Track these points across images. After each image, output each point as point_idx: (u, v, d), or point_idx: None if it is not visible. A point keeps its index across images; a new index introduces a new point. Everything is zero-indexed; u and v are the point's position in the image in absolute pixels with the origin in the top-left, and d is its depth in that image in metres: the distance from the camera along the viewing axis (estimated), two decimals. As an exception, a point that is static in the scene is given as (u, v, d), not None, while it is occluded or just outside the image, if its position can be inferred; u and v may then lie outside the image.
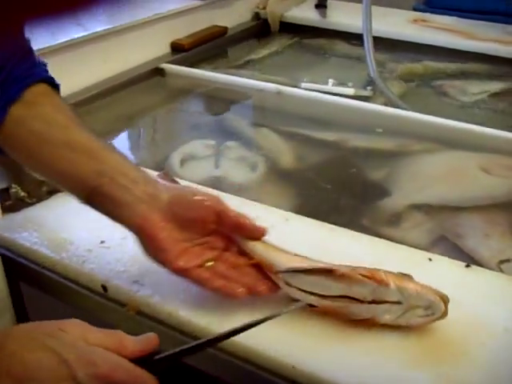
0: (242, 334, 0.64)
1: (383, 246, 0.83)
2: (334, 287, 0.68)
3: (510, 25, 1.86)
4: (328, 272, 0.68)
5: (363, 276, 0.68)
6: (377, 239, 0.85)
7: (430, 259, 0.80)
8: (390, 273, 0.69)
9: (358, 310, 0.68)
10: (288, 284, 0.70)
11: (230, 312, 0.71)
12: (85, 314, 0.81)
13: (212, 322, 0.70)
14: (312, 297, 0.69)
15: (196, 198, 0.71)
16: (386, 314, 0.67)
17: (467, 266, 0.79)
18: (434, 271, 0.78)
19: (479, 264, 0.87)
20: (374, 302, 0.68)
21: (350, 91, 1.50)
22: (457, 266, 0.79)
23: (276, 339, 0.67)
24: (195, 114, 1.52)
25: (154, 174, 0.96)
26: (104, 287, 0.76)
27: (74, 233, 0.85)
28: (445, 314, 0.67)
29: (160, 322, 0.72)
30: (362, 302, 0.68)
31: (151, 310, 0.73)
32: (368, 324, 0.68)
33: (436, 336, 0.68)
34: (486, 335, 0.68)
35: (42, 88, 0.75)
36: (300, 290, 0.69)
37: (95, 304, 0.77)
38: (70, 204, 0.90)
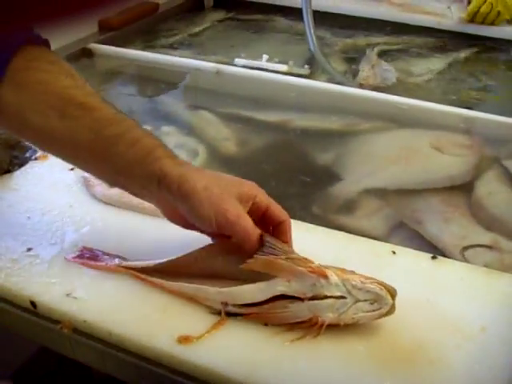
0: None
1: (342, 238, 0.77)
2: (270, 287, 0.62)
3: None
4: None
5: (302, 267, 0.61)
6: (335, 232, 0.78)
7: (394, 252, 0.74)
8: (331, 266, 0.63)
9: (298, 309, 0.61)
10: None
11: (175, 327, 0.63)
12: (13, 334, 0.72)
13: (155, 339, 0.62)
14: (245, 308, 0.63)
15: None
16: (329, 312, 0.61)
17: (433, 257, 0.73)
18: (399, 265, 0.71)
19: (443, 252, 0.82)
20: (315, 298, 0.61)
21: (284, 68, 1.43)
22: (422, 258, 0.73)
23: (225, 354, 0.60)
24: (127, 97, 1.42)
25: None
26: (33, 303, 0.67)
27: (-5, 239, 0.75)
28: (393, 309, 0.61)
29: (100, 340, 0.64)
30: (302, 299, 0.61)
31: (88, 326, 0.64)
32: (311, 326, 0.61)
33: (407, 339, 0.62)
34: (461, 336, 0.62)
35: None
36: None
37: (24, 323, 0.68)
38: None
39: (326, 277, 0.61)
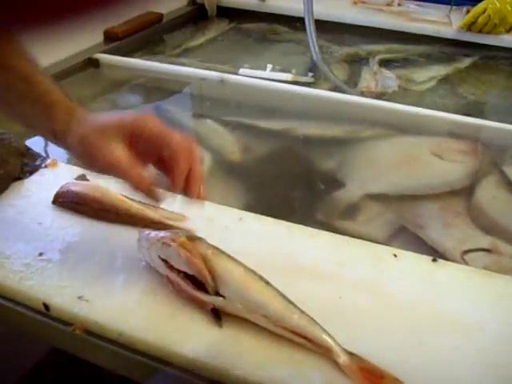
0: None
1: (345, 242, 0.79)
2: None
3: (448, 5, 1.86)
4: None
5: None
6: (337, 236, 0.80)
7: (395, 255, 0.76)
8: None
9: None
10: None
11: (184, 327, 0.65)
12: (26, 336, 0.74)
13: (164, 339, 0.64)
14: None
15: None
16: None
17: (434, 260, 0.75)
18: (400, 268, 0.74)
19: (443, 256, 0.84)
20: None
21: (288, 77, 1.45)
22: (423, 260, 0.75)
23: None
24: (133, 106, 1.44)
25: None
26: (46, 305, 0.69)
27: (8, 245, 0.77)
28: None
29: (110, 341, 0.66)
30: None
31: (99, 328, 0.66)
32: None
33: (407, 338, 0.64)
34: (460, 336, 0.64)
35: None
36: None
37: (37, 324, 0.70)
38: (3, 213, 0.82)
39: None
